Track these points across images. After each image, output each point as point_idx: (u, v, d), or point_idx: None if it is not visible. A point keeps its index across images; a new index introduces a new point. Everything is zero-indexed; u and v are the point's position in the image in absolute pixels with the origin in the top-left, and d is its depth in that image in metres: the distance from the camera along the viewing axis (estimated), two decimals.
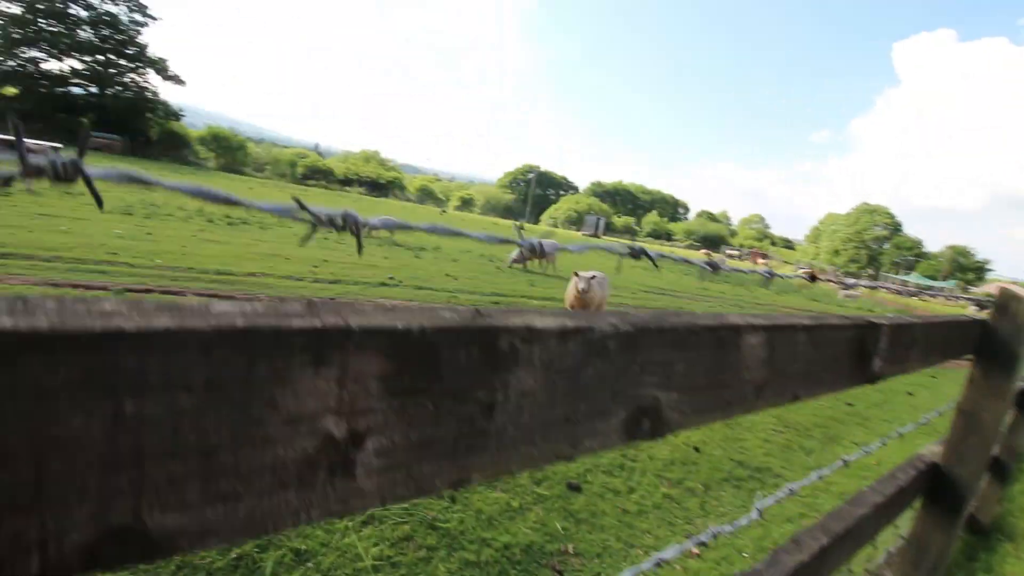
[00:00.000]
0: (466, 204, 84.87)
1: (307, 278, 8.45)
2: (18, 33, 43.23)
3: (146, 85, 49.95)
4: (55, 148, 20.72)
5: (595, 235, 58.99)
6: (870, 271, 67.81)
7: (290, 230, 14.40)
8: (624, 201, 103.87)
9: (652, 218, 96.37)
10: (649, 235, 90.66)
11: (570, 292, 7.38)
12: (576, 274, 7.30)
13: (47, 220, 9.80)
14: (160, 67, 50.47)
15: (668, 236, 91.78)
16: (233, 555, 2.26)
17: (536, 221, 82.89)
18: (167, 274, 7.20)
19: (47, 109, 43.86)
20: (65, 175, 0.68)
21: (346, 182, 68.08)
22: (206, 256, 8.78)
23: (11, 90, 43.61)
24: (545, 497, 3.18)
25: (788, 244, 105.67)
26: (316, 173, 67.03)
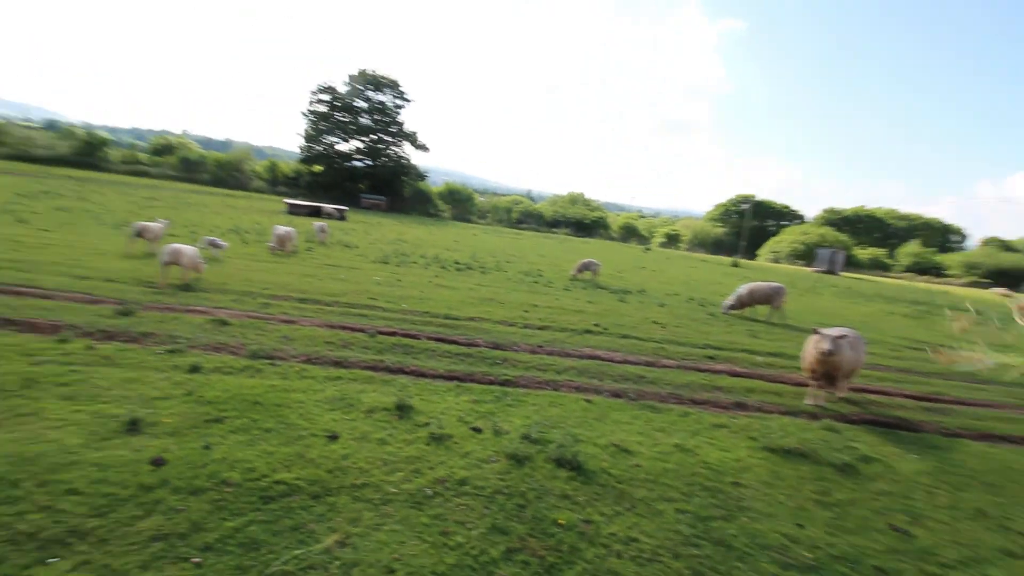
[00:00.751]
0: (671, 240, 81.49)
1: (518, 323, 8.89)
2: (324, 125, 58.49)
3: (402, 155, 61.90)
4: (340, 209, 26.71)
5: (830, 271, 50.08)
6: None
7: (505, 275, 15.62)
8: (868, 230, 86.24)
9: (912, 248, 77.32)
10: (909, 269, 73.11)
11: (809, 353, 6.15)
12: (816, 331, 6.06)
13: (332, 270, 12.48)
14: (413, 139, 62.09)
15: (937, 270, 72.61)
16: None
17: (752, 256, 74.63)
18: (409, 318, 8.36)
19: (338, 179, 57.73)
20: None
21: (554, 224, 72.18)
22: (438, 300, 10.00)
23: (318, 168, 58.81)
24: None
25: None
26: (528, 217, 72.95)
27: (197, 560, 2.50)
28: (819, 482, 4.14)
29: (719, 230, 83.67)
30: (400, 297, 9.85)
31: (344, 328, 7.17)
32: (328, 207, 35.55)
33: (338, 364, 5.68)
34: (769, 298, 12.62)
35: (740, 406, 5.93)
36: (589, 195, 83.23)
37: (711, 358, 8.07)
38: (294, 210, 35.58)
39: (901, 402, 6.82)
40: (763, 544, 3.23)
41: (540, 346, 7.55)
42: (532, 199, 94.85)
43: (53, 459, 3.12)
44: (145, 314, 6.75)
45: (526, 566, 2.79)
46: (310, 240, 18.56)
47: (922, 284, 45.38)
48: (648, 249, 54.51)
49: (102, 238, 12.80)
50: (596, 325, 9.42)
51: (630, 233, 78.82)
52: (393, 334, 7.17)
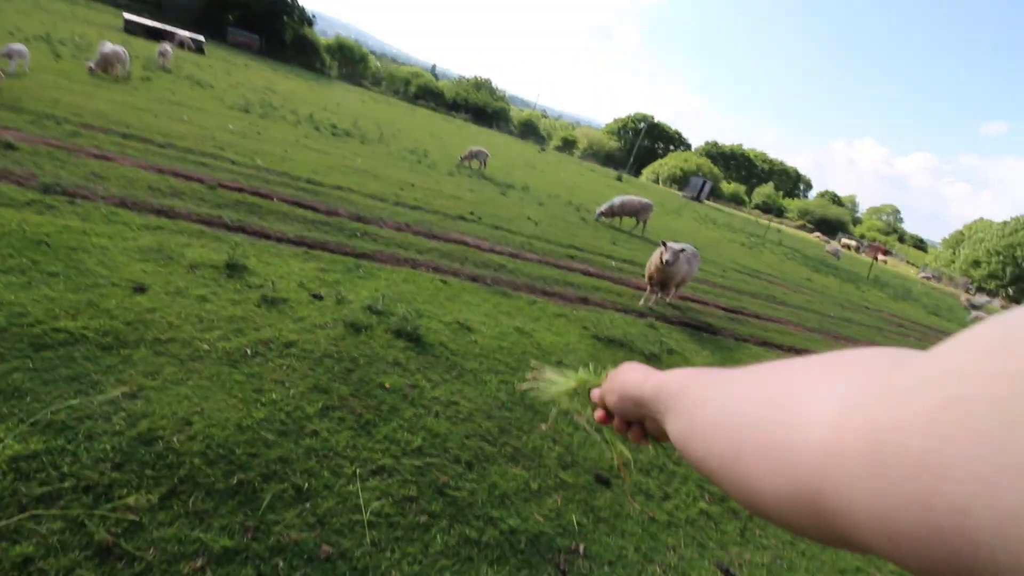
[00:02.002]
0: (567, 145, 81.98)
1: (390, 199, 8.49)
2: None
3: None
4: (197, 40, 22.39)
5: (696, 199, 54.86)
6: (1010, 291, 57.70)
7: (386, 148, 14.57)
8: (739, 167, 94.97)
9: (765, 190, 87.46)
10: (758, 207, 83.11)
11: (652, 262, 6.77)
12: (664, 244, 6.64)
13: (173, 108, 10.54)
14: None
15: (779, 212, 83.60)
16: (235, 480, 2.25)
17: (637, 174, 78.58)
18: (263, 176, 7.49)
19: (202, 3, 47.07)
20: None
21: (454, 107, 68.01)
22: (302, 163, 9.06)
23: None
24: (568, 485, 2.94)
25: (919, 244, 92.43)
26: (427, 94, 67.54)
27: None
28: None
29: (614, 144, 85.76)
30: (256, 152, 8.73)
31: (177, 175, 6.21)
32: (182, 33, 29.24)
33: (161, 213, 4.96)
34: (637, 212, 13.51)
35: (584, 301, 6.46)
36: (496, 84, 78.69)
37: (571, 257, 8.57)
38: (132, 28, 28.80)
39: (713, 311, 7.98)
40: (564, 411, 3.68)
41: (407, 224, 7.33)
42: (436, 76, 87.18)
43: None
44: None
45: (341, 422, 2.86)
46: (149, 69, 15.34)
47: (764, 221, 52.09)
48: (543, 150, 54.36)
49: None
50: (471, 213, 9.37)
51: (530, 131, 77.49)
52: (240, 190, 6.40)
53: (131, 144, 6.92)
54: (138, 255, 3.94)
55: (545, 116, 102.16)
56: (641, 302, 7.08)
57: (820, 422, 0.29)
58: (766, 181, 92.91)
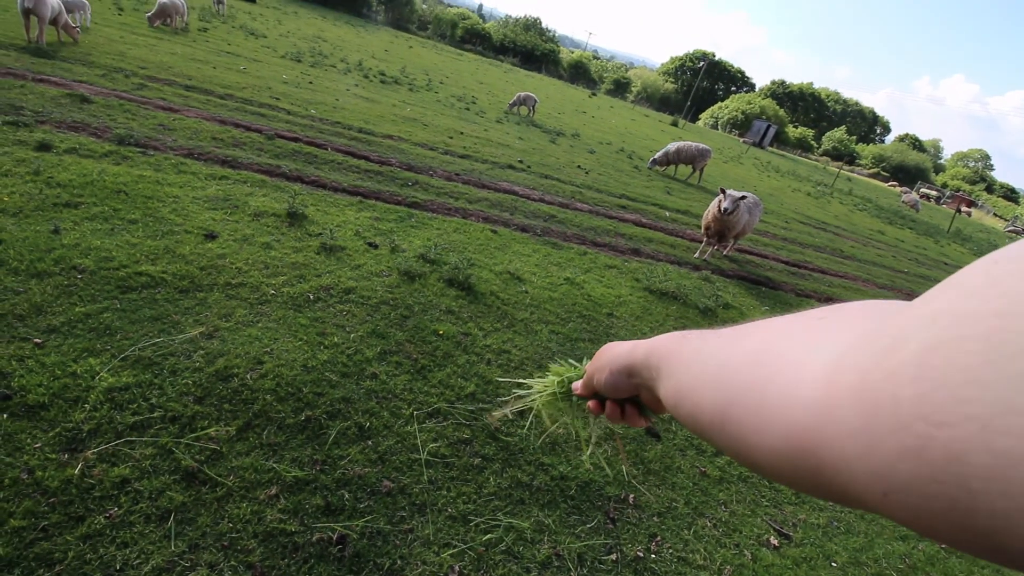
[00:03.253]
0: (620, 88, 77.85)
1: (439, 148, 8.42)
2: None
3: None
4: None
5: (758, 144, 51.26)
6: None
7: (435, 96, 14.33)
8: (807, 109, 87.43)
9: (836, 134, 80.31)
10: (827, 153, 76.90)
11: (711, 210, 6.46)
12: (723, 191, 6.30)
13: (230, 59, 10.70)
14: None
15: (851, 159, 77.04)
16: (303, 417, 2.40)
17: (694, 119, 73.98)
18: (316, 125, 7.57)
19: None
20: None
21: (501, 50, 65.52)
22: (353, 112, 9.07)
23: None
24: (618, 436, 2.95)
25: (1011, 194, 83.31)
26: (474, 37, 65.25)
27: (38, 341, 2.37)
28: (680, 319, 4.66)
29: (670, 86, 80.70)
30: (309, 101, 8.80)
31: (237, 126, 6.38)
32: None
33: (225, 163, 5.14)
34: (693, 159, 12.81)
35: (635, 252, 6.29)
36: (546, 23, 74.74)
37: (623, 207, 8.29)
38: None
39: (773, 265, 7.60)
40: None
41: (457, 174, 7.28)
42: (483, 17, 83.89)
43: None
44: None
45: (398, 366, 2.96)
46: (205, 19, 15.55)
47: (832, 168, 48.28)
48: (594, 94, 51.90)
49: None
50: (520, 162, 9.18)
51: (580, 73, 73.81)
52: (296, 140, 6.51)
53: (194, 96, 7.12)
54: (207, 204, 4.13)
55: (596, 57, 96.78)
56: (696, 254, 6.82)
57: (812, 377, 0.28)
58: (838, 125, 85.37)
